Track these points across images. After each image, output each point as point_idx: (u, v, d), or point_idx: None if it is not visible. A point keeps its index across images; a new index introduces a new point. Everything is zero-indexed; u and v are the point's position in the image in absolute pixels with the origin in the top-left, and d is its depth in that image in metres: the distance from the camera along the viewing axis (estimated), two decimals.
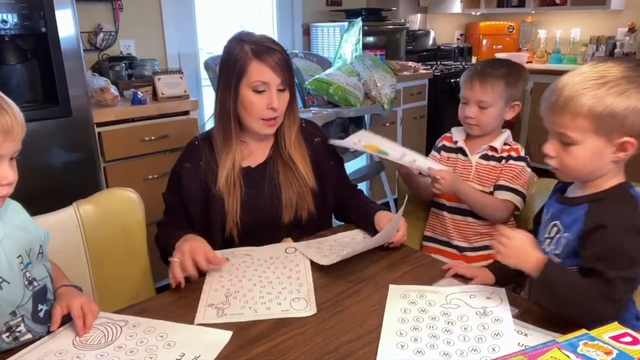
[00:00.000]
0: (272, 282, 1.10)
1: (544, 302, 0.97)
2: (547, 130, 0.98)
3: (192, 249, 1.11)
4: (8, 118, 0.83)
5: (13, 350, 0.89)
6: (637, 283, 0.93)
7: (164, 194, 1.35)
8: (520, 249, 0.96)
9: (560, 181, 1.10)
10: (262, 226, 1.31)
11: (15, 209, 0.97)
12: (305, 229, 1.35)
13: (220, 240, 1.30)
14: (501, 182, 1.46)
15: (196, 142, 1.35)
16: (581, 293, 0.90)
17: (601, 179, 0.97)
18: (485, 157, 1.50)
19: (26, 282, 0.93)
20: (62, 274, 1.07)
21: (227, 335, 0.91)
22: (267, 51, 1.24)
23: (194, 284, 1.11)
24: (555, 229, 1.03)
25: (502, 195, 1.44)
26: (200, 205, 1.31)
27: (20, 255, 0.93)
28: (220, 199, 1.29)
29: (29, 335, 0.92)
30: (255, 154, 1.37)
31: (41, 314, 0.95)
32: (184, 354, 0.86)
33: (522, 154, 1.48)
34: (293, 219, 1.34)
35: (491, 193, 1.47)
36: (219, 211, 1.29)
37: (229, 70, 1.26)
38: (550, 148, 0.98)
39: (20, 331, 0.92)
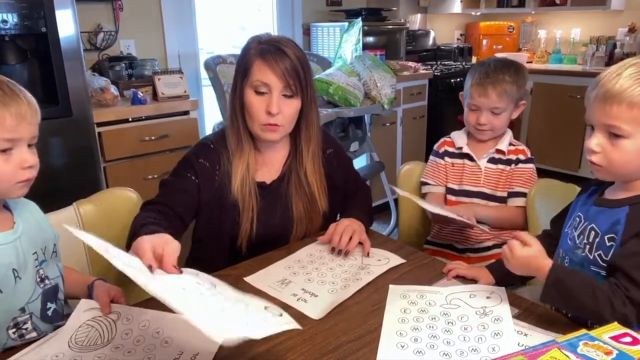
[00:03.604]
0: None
1: (559, 306, 0.95)
2: (592, 123, 0.93)
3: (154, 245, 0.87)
4: (21, 102, 0.87)
5: (19, 347, 0.89)
6: None
7: (163, 181, 1.25)
8: (527, 260, 0.93)
9: (591, 182, 1.06)
10: (272, 242, 1.27)
11: (32, 208, 1.00)
12: None
13: (228, 251, 1.27)
14: (516, 189, 1.46)
15: (211, 145, 1.28)
16: (599, 293, 0.86)
17: None
18: (492, 160, 1.49)
19: (38, 280, 0.94)
20: (78, 275, 1.10)
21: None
22: (275, 52, 1.17)
23: None
24: (593, 233, 0.97)
25: (518, 202, 1.45)
26: (211, 210, 1.25)
27: (35, 252, 0.94)
28: (234, 206, 1.24)
29: (34, 334, 0.93)
30: (270, 167, 1.31)
31: (49, 312, 0.96)
32: (182, 353, 0.85)
33: (529, 155, 1.48)
34: (301, 238, 1.32)
35: (504, 198, 1.47)
36: (232, 220, 1.25)
37: (238, 70, 1.23)
38: (594, 142, 0.91)
39: (26, 328, 0.92)
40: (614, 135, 0.90)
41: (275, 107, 1.17)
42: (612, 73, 0.90)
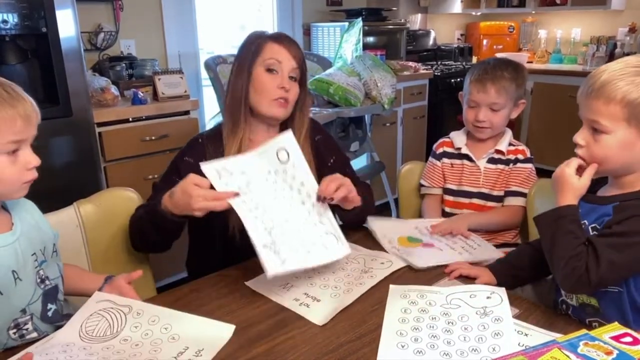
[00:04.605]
0: (292, 208, 1.09)
1: (540, 234, 0.98)
2: (581, 120, 0.96)
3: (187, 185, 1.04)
4: (26, 103, 0.87)
5: (19, 347, 0.89)
6: (619, 279, 0.91)
7: (155, 183, 1.31)
8: (565, 182, 0.94)
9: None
10: None
11: (30, 208, 0.99)
12: None
13: (221, 239, 1.28)
14: (513, 188, 1.46)
15: (200, 140, 1.33)
16: (565, 253, 0.90)
17: (634, 178, 0.94)
18: (492, 160, 1.50)
19: (38, 281, 0.94)
20: (90, 273, 1.14)
21: (230, 328, 0.92)
22: (286, 37, 1.28)
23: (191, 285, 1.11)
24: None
25: (515, 201, 1.46)
26: None
27: (34, 254, 0.94)
28: None
29: (34, 334, 0.93)
30: None
31: (50, 313, 0.96)
32: (187, 347, 0.86)
33: (528, 154, 1.49)
34: None
35: (502, 198, 1.48)
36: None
37: (245, 54, 1.28)
38: (580, 137, 0.95)
39: (27, 329, 0.92)
40: (596, 130, 0.92)
41: (287, 83, 1.25)
42: (599, 70, 0.92)
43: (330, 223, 1.12)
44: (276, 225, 1.05)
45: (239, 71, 1.28)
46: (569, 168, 0.95)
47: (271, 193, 1.09)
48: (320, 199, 1.12)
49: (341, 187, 1.13)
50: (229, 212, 1.24)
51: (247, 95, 1.27)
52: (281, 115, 1.28)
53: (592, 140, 0.93)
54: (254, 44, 1.27)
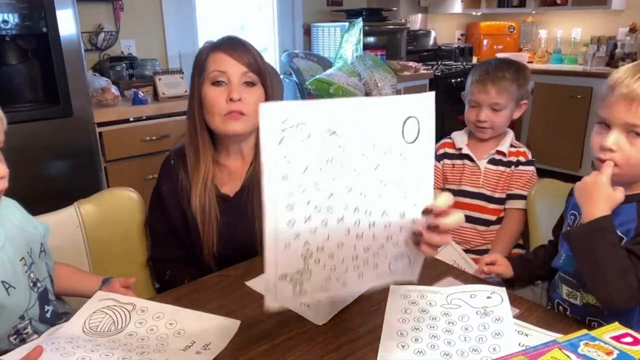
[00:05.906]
0: (372, 224, 0.72)
1: (576, 248, 0.92)
2: (608, 122, 0.91)
3: None
4: None
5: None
6: None
7: (148, 221, 1.29)
8: (600, 191, 0.89)
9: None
10: (237, 258, 1.18)
11: (11, 208, 0.95)
12: None
13: (200, 269, 1.23)
14: (515, 191, 1.46)
15: (172, 161, 1.23)
16: (615, 267, 0.85)
17: None
18: (493, 161, 1.50)
19: (31, 284, 0.92)
20: (87, 273, 1.13)
21: (235, 324, 0.92)
22: (229, 42, 1.14)
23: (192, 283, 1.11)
24: None
25: (517, 204, 1.46)
26: (183, 231, 1.23)
27: (22, 258, 0.92)
28: (195, 225, 1.19)
29: (35, 337, 0.92)
30: (234, 177, 1.23)
31: (48, 315, 0.95)
32: (194, 342, 0.86)
33: (530, 157, 1.49)
34: None
35: (503, 200, 1.48)
36: (196, 238, 1.20)
37: (193, 73, 1.17)
38: (610, 141, 0.90)
39: (27, 333, 0.92)
40: (635, 134, 0.89)
41: (236, 93, 1.10)
42: (634, 73, 0.89)
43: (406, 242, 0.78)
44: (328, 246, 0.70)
45: (191, 94, 1.18)
46: (604, 176, 0.90)
47: (358, 185, 0.69)
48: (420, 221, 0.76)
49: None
50: (202, 246, 1.19)
51: (202, 117, 1.15)
52: (239, 129, 1.14)
53: (627, 145, 0.90)
54: (199, 60, 1.15)
